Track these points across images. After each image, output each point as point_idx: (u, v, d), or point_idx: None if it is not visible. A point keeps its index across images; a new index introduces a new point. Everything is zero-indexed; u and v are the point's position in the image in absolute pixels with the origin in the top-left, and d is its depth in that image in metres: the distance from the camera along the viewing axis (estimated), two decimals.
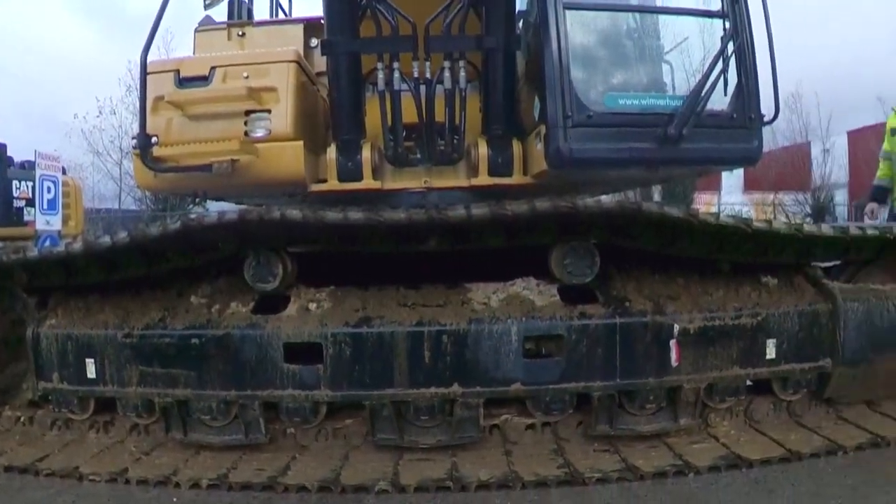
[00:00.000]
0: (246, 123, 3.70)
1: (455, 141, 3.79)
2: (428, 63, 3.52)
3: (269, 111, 3.69)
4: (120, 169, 23.47)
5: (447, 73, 3.54)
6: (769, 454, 2.88)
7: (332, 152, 3.86)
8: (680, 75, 3.83)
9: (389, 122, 3.64)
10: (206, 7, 4.95)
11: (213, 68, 3.73)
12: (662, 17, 3.93)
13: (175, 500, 2.72)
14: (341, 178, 3.85)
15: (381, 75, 3.54)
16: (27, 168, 12.15)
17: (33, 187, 11.78)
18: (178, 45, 16.96)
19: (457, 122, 3.68)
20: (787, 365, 3.03)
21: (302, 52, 4.59)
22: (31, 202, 12.08)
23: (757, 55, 3.64)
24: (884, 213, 4.81)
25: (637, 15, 3.84)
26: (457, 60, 3.54)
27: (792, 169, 23.64)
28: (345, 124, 3.80)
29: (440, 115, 3.66)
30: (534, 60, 3.71)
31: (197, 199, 5.22)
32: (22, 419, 3.24)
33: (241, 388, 2.87)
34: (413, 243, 2.87)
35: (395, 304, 2.94)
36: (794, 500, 2.63)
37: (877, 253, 3.30)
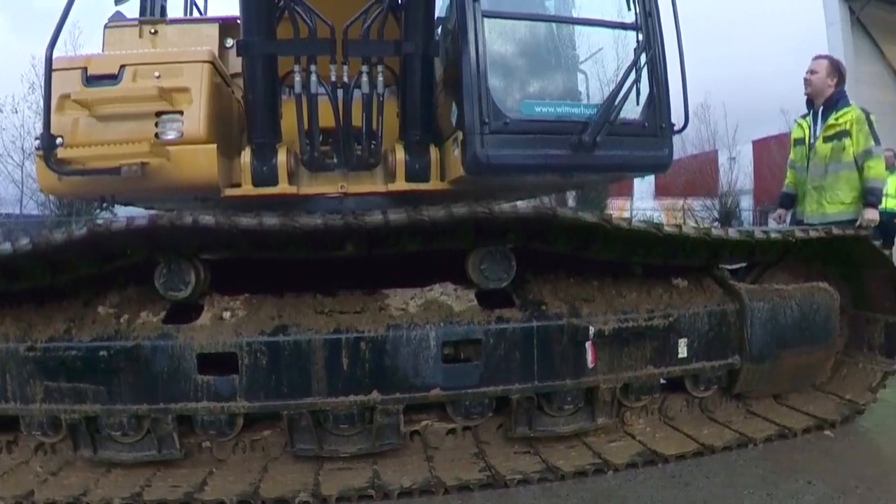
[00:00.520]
0: (157, 125, 3.56)
1: (372, 146, 3.76)
2: (346, 67, 3.48)
3: (181, 113, 3.57)
4: (22, 171, 22.07)
5: (365, 78, 3.50)
6: (684, 449, 2.98)
7: (246, 156, 3.77)
8: (595, 84, 3.91)
9: (306, 126, 3.58)
10: (117, 3, 4.78)
11: (122, 67, 3.57)
12: (578, 28, 3.98)
13: None
14: (256, 183, 3.77)
15: (297, 78, 3.48)
16: None
17: None
18: (86, 41, 16.39)
19: (374, 127, 3.65)
20: (699, 363, 3.12)
21: (217, 53, 4.46)
22: None
23: (668, 67, 3.76)
24: (788, 217, 4.98)
25: (554, 24, 3.88)
26: (375, 65, 3.52)
27: (700, 176, 24.48)
28: (260, 127, 3.71)
29: (357, 119, 3.62)
30: (452, 67, 3.73)
31: (104, 204, 5.01)
32: None
33: (153, 402, 2.75)
34: (329, 249, 2.83)
35: (311, 311, 2.89)
36: (709, 492, 2.72)
37: (780, 255, 3.43)
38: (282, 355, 2.75)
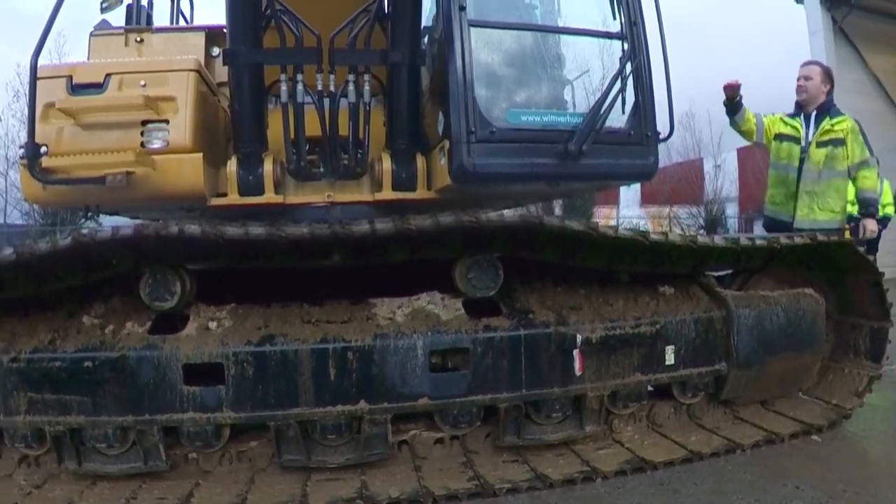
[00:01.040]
0: (142, 134, 3.52)
1: (359, 155, 3.74)
2: (332, 76, 3.46)
3: (167, 122, 3.53)
4: (5, 180, 21.83)
5: (351, 87, 3.49)
6: (672, 456, 2.97)
7: (232, 165, 3.75)
8: (580, 93, 3.90)
9: (292, 135, 3.56)
10: (103, 10, 4.74)
11: (108, 75, 3.54)
12: (564, 37, 3.99)
13: None
14: (242, 192, 3.74)
15: (284, 87, 3.46)
16: None
17: None
18: (71, 49, 16.35)
19: (361, 136, 3.64)
20: (686, 370, 3.11)
21: (203, 61, 4.44)
22: None
23: (653, 75, 3.76)
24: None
25: (540, 34, 3.88)
26: (361, 74, 3.50)
27: (686, 183, 24.47)
28: (246, 137, 3.69)
29: (344, 128, 3.60)
30: (438, 76, 3.72)
31: (89, 214, 4.96)
32: None
33: (138, 413, 2.71)
34: (316, 258, 2.80)
35: (298, 320, 2.86)
36: (698, 498, 2.71)
37: (765, 262, 3.43)
38: (268, 365, 2.72)
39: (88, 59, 4.61)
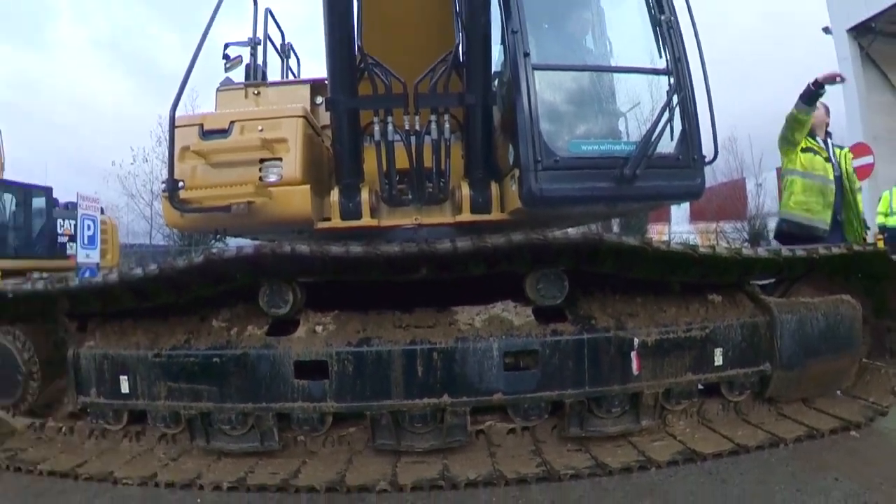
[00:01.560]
0: (260, 170, 3.59)
1: (441, 183, 3.68)
2: (417, 117, 3.42)
3: (280, 159, 3.59)
4: (151, 209, 22.96)
5: (434, 126, 3.43)
6: (720, 448, 2.78)
7: (335, 195, 3.75)
8: (633, 123, 3.75)
9: (384, 168, 3.54)
10: (227, 70, 4.88)
11: (232, 122, 3.63)
12: (617, 75, 3.84)
13: (199, 501, 2.58)
14: (343, 217, 3.74)
15: (377, 128, 3.43)
16: (70, 208, 12.13)
17: (75, 225, 11.75)
18: (202, 101, 16.94)
19: (442, 167, 3.57)
20: (733, 370, 2.91)
21: (309, 109, 4.52)
22: (73, 238, 12.02)
23: (698, 105, 3.56)
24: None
25: (596, 73, 3.74)
26: (442, 115, 3.44)
27: (730, 201, 23.37)
28: (346, 170, 3.68)
29: (428, 161, 3.55)
30: (508, 112, 3.60)
31: (218, 236, 5.08)
32: (63, 429, 3.08)
33: (256, 402, 2.71)
34: (406, 272, 2.73)
35: (391, 325, 2.80)
36: (743, 489, 2.52)
37: (806, 271, 3.19)
38: (366, 363, 2.67)
39: (216, 110, 4.75)
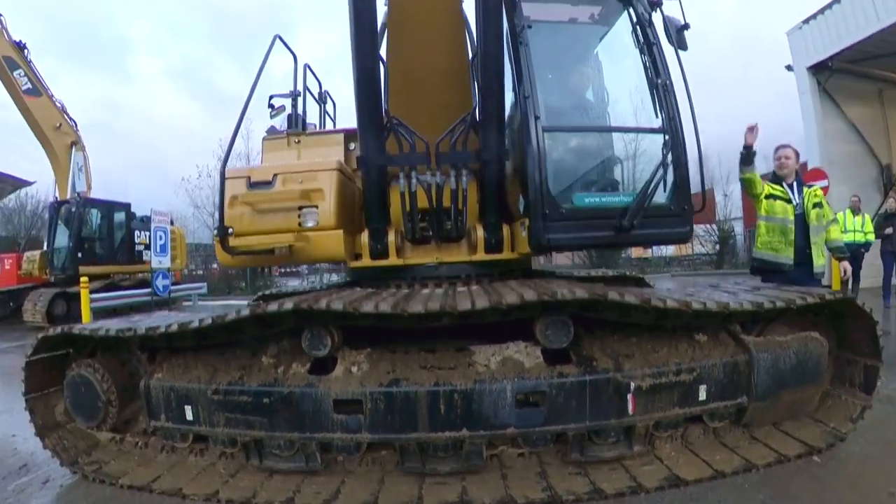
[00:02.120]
0: (299, 216, 3.42)
1: (459, 224, 3.46)
2: (438, 171, 3.21)
3: (317, 207, 3.41)
4: (213, 219, 22.94)
5: (453, 178, 3.20)
6: (701, 475, 2.64)
7: (364, 237, 3.56)
8: (630, 176, 3.49)
9: (408, 211, 3.34)
10: (272, 117, 4.69)
11: (275, 175, 3.46)
12: (617, 134, 3.55)
13: None
14: (373, 257, 3.56)
15: (402, 181, 3.23)
16: (145, 221, 12.09)
17: (149, 235, 11.73)
18: (255, 127, 16.49)
19: (460, 208, 3.34)
20: (714, 403, 2.74)
21: (343, 155, 4.40)
22: (148, 246, 12.04)
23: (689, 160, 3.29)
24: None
25: (598, 133, 3.45)
26: (460, 168, 3.21)
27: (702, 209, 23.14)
28: (374, 216, 3.48)
29: (447, 201, 3.32)
30: (518, 160, 3.34)
31: (265, 270, 4.98)
32: (139, 444, 3.00)
33: (301, 432, 2.61)
34: (430, 321, 2.54)
35: (417, 366, 2.65)
36: None
37: (779, 314, 2.98)
38: (395, 402, 2.54)
39: (262, 155, 4.60)
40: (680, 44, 3.32)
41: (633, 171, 3.48)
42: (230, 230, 3.31)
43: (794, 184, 4.02)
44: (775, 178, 4.09)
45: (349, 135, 4.59)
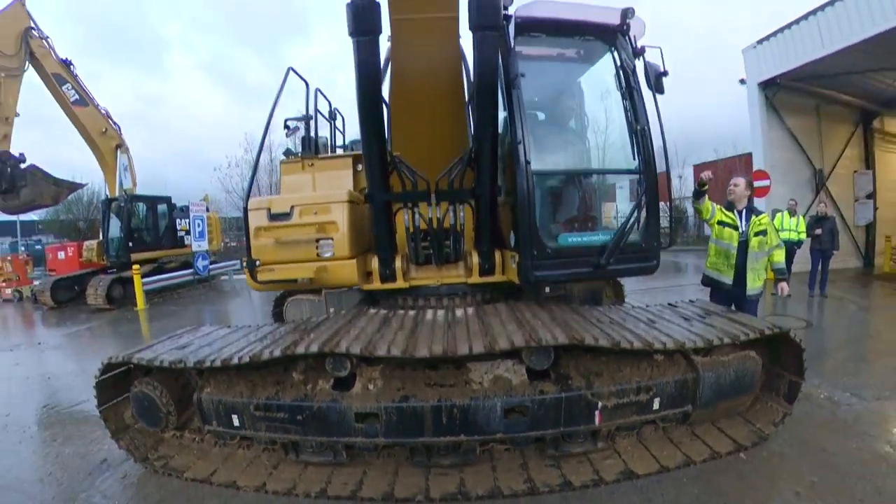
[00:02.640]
0: (317, 248, 3.31)
1: (457, 249, 3.40)
2: (438, 207, 3.13)
3: (332, 238, 3.30)
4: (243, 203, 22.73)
5: (451, 212, 3.13)
6: (650, 469, 2.75)
7: (374, 263, 3.49)
8: (609, 215, 3.40)
9: (412, 240, 3.28)
10: (287, 136, 4.48)
11: (292, 207, 3.31)
12: (598, 176, 3.44)
13: None
14: (382, 281, 3.50)
15: (406, 215, 3.17)
16: (185, 211, 11.80)
17: (189, 223, 11.54)
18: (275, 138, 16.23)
19: (458, 232, 3.28)
20: (665, 411, 2.82)
21: (352, 175, 4.25)
22: (188, 232, 11.89)
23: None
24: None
25: (582, 176, 3.34)
26: (458, 203, 3.12)
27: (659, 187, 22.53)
28: (383, 245, 3.39)
29: (446, 225, 3.26)
30: (510, 195, 3.24)
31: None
32: (196, 439, 3.07)
33: (329, 436, 2.68)
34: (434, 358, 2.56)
35: (423, 384, 2.69)
36: None
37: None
38: (405, 414, 2.60)
39: (280, 177, 4.39)
40: (658, 88, 3.17)
41: (613, 209, 3.40)
42: (258, 262, 3.23)
43: (745, 211, 3.94)
44: (729, 206, 4.01)
45: (357, 157, 4.39)
